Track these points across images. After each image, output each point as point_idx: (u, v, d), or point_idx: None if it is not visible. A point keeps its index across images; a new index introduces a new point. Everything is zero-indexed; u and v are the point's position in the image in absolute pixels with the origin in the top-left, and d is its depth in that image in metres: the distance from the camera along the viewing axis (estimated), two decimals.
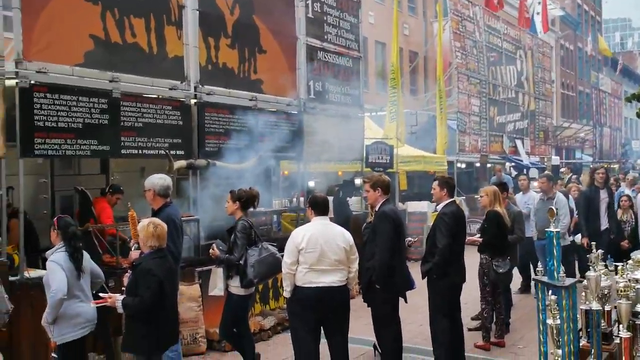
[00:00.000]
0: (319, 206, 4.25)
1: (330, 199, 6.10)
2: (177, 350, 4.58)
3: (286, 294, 4.24)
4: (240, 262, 4.58)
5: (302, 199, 8.37)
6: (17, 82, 4.90)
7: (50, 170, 7.25)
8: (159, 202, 4.62)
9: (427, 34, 20.31)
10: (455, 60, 13.07)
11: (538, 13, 22.77)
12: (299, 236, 4.08)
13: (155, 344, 3.80)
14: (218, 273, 4.92)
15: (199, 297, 5.58)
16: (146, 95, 6.03)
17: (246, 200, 4.85)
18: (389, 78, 11.41)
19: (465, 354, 4.89)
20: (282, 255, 4.40)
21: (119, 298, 3.78)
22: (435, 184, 5.08)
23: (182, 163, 6.15)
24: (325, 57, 8.50)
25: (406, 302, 4.75)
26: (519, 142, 16.24)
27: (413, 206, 10.68)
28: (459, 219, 4.84)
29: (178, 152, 6.22)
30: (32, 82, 4.97)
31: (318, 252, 3.97)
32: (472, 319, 6.29)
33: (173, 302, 4.07)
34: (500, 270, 5.35)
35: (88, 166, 7.62)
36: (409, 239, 5.37)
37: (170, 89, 6.18)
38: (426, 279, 4.77)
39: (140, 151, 5.95)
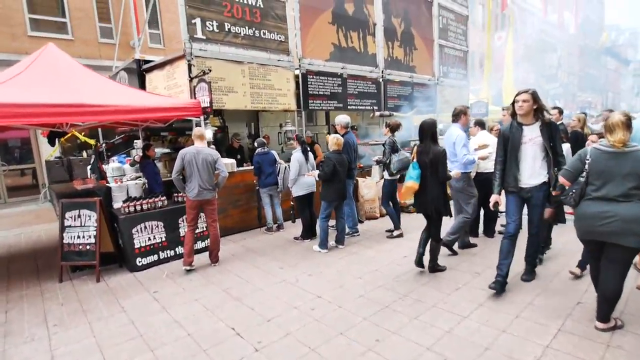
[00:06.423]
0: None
1: None
2: (352, 209, 6.97)
3: None
4: (387, 161, 6.53)
5: None
6: (299, 71, 8.96)
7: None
8: (342, 130, 6.84)
9: None
10: None
11: None
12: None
13: (332, 197, 6.04)
14: (376, 168, 7.65)
15: (371, 186, 8.18)
16: (359, 76, 10.27)
17: (393, 127, 6.87)
18: None
19: None
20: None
21: (316, 173, 6.25)
22: None
23: (377, 114, 10.55)
24: (447, 52, 12.95)
25: None
26: None
27: None
28: None
29: (374, 108, 10.63)
30: (306, 70, 9.08)
31: None
32: None
33: (342, 177, 6.06)
34: None
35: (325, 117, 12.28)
36: None
37: (370, 72, 10.51)
38: None
39: (356, 107, 10.31)
